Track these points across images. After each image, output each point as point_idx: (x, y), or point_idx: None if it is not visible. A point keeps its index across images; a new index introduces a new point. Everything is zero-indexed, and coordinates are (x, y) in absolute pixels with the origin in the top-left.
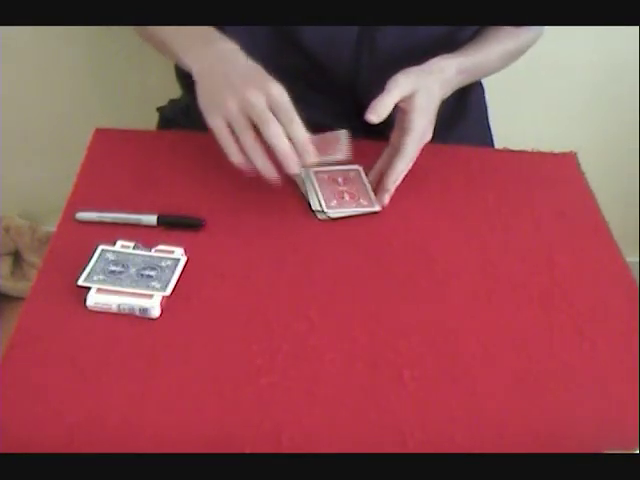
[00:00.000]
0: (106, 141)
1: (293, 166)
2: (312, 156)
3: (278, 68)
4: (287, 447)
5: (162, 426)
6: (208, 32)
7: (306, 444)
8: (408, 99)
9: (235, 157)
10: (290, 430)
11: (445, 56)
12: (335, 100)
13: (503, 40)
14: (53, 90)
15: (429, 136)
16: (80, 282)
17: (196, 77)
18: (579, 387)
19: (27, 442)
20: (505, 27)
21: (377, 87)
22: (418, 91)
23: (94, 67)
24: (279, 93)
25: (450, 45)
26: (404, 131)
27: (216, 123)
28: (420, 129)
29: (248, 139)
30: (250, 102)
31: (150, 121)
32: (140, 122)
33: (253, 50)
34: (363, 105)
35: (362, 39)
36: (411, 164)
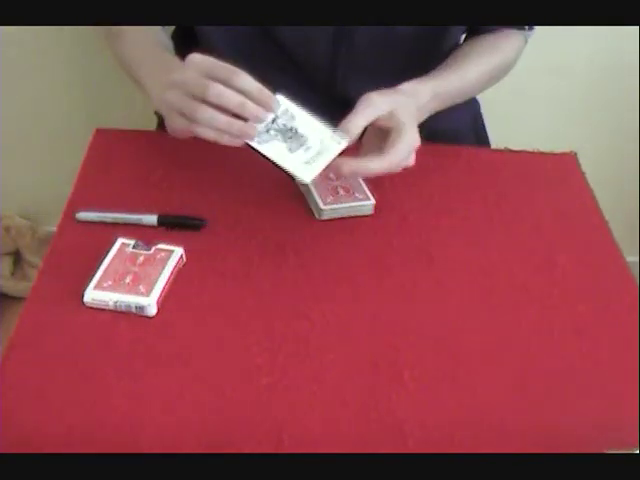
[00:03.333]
0: (106, 141)
1: (259, 116)
2: (272, 100)
3: (259, 66)
4: (287, 447)
5: (162, 426)
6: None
7: (306, 444)
8: (387, 119)
9: (209, 134)
10: (290, 430)
11: (420, 80)
12: (315, 95)
13: (484, 55)
14: (53, 90)
15: (411, 161)
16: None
17: (154, 102)
18: (579, 387)
19: (27, 442)
20: (485, 40)
21: (355, 82)
22: (397, 109)
23: (94, 68)
24: (201, 59)
25: (429, 40)
26: (391, 141)
27: (169, 123)
28: (410, 139)
29: (200, 113)
30: (177, 82)
31: (149, 124)
32: (140, 124)
33: (234, 49)
34: (343, 100)
35: (339, 34)
36: (384, 170)
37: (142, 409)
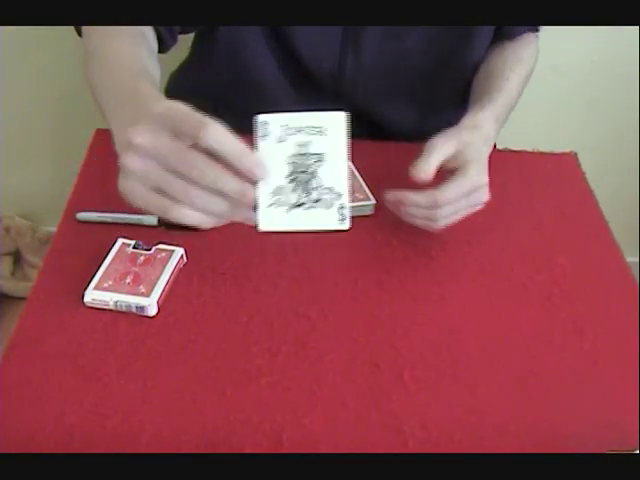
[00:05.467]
0: (106, 141)
1: (252, 200)
2: (256, 166)
3: (266, 67)
4: (287, 447)
5: (162, 426)
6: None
7: (306, 444)
8: (453, 160)
9: (193, 218)
10: (290, 430)
11: (477, 108)
12: (320, 102)
13: (515, 69)
14: (53, 90)
15: (484, 196)
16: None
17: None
18: (579, 387)
19: (27, 442)
20: (509, 50)
21: (362, 89)
22: (463, 148)
23: None
24: (166, 107)
25: (434, 50)
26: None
27: (126, 187)
28: (471, 177)
29: (194, 197)
30: (146, 148)
31: None
32: None
33: (242, 51)
34: (351, 105)
35: (346, 41)
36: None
37: (142, 409)
